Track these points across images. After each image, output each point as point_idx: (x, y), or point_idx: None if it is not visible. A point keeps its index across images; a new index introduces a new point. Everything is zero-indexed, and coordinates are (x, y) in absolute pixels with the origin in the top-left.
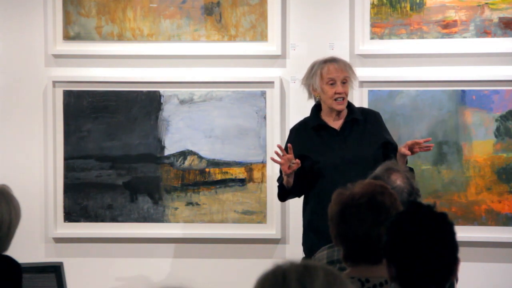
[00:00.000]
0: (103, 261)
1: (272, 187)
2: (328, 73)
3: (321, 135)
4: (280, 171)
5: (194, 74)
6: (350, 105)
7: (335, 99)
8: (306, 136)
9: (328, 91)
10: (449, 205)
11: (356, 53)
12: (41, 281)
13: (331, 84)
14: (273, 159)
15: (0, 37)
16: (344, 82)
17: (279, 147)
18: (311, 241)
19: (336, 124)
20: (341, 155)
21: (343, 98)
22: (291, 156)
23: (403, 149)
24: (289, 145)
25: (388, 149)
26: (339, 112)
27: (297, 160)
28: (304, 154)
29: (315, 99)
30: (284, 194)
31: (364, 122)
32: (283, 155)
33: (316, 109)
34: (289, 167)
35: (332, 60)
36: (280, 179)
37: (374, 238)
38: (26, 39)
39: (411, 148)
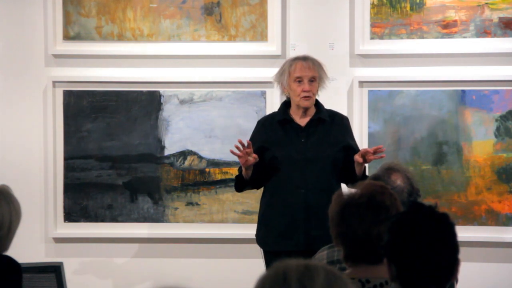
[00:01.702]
0: (103, 261)
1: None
2: (296, 71)
3: (285, 129)
4: (240, 167)
5: (194, 74)
6: (319, 105)
7: (303, 96)
8: (271, 129)
9: (295, 89)
10: (449, 205)
11: (356, 53)
12: (41, 281)
13: (299, 82)
14: (232, 152)
15: (0, 37)
16: (312, 80)
17: (240, 141)
18: (262, 234)
19: (302, 121)
20: (301, 152)
21: (310, 96)
22: (250, 150)
23: (356, 156)
24: (247, 141)
25: (349, 153)
26: (306, 110)
27: (255, 155)
28: (265, 146)
29: (286, 95)
30: (241, 184)
31: (330, 123)
32: (242, 149)
33: (285, 105)
34: (247, 161)
35: (302, 58)
36: (240, 170)
37: (374, 237)
38: (26, 39)
39: (363, 156)
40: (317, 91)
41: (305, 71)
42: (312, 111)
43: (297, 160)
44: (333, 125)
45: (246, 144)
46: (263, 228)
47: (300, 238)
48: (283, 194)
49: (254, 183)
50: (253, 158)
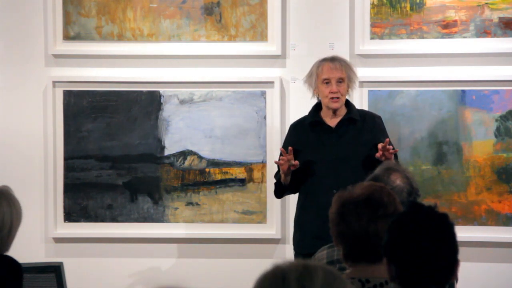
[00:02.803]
0: (103, 261)
1: (272, 187)
2: (323, 73)
3: (316, 131)
4: (278, 168)
5: (194, 74)
6: (349, 105)
7: (331, 98)
8: (302, 132)
9: (323, 91)
10: (449, 205)
11: (356, 53)
12: (41, 281)
13: (326, 83)
14: (276, 162)
15: (0, 37)
16: (340, 81)
17: (282, 150)
18: (298, 238)
19: (332, 122)
20: (333, 152)
21: (338, 98)
22: (291, 156)
23: (377, 154)
24: (290, 148)
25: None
26: (336, 111)
27: (296, 162)
28: (298, 149)
29: (316, 97)
30: (281, 191)
31: (362, 122)
32: (284, 157)
33: (317, 107)
34: (288, 167)
35: (329, 60)
36: (277, 176)
37: (372, 234)
38: (26, 39)
39: (384, 153)
40: (346, 91)
41: (332, 73)
42: (343, 111)
43: (329, 161)
44: (365, 124)
45: (288, 151)
46: (299, 231)
47: None
48: (316, 196)
49: (291, 188)
50: (294, 165)
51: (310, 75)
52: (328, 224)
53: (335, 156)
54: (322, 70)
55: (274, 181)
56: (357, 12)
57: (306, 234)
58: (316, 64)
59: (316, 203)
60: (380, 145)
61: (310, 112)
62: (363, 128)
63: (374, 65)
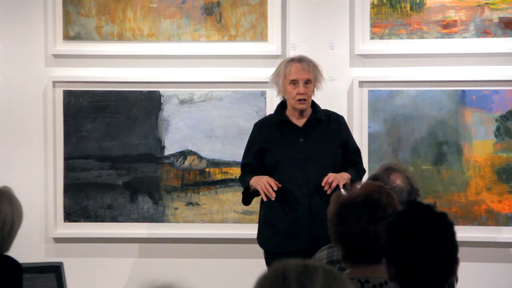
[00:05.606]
0: (103, 261)
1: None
2: (291, 74)
3: (283, 130)
4: (242, 175)
5: (194, 74)
6: (314, 106)
7: (298, 100)
8: (269, 131)
9: (291, 92)
10: (449, 205)
11: (356, 53)
12: (41, 281)
13: (294, 84)
14: (272, 198)
15: (0, 37)
16: (308, 82)
17: (276, 185)
18: (264, 235)
19: (299, 122)
20: (300, 152)
21: (305, 99)
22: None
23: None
24: (279, 185)
25: (346, 150)
26: (302, 111)
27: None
28: (264, 148)
29: (282, 96)
30: (250, 198)
31: (327, 122)
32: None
33: (282, 106)
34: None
35: (297, 60)
36: (244, 183)
37: (372, 236)
38: (26, 39)
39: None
40: (313, 92)
41: (300, 74)
42: (309, 111)
43: (297, 160)
44: (330, 124)
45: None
46: (266, 230)
47: (304, 237)
48: (285, 195)
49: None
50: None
51: (277, 74)
52: (297, 224)
53: (304, 155)
54: (290, 71)
55: (241, 186)
56: (357, 12)
57: (276, 233)
58: (283, 64)
59: (285, 202)
60: (323, 182)
61: (276, 111)
62: (329, 128)
63: (374, 65)
